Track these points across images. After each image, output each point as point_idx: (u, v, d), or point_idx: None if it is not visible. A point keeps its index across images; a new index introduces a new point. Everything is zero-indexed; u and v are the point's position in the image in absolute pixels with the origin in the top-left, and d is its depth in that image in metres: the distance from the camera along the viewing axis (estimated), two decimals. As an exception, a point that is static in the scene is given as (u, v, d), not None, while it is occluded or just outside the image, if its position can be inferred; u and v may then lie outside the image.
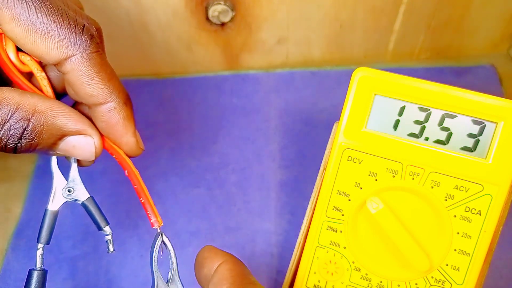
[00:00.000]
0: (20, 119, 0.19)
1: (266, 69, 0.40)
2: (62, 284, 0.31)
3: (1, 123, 0.19)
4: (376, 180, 0.24)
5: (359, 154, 0.24)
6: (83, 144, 0.22)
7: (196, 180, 0.34)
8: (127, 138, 0.23)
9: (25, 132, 0.19)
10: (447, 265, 0.24)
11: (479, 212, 0.23)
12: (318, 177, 0.27)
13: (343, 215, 0.25)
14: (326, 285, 0.25)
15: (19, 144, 0.20)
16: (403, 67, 0.39)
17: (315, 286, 0.26)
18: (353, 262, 0.25)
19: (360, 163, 0.24)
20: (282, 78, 0.39)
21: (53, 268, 0.31)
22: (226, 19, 0.35)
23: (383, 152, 0.24)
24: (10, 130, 0.19)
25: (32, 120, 0.20)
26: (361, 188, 0.24)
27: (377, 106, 0.24)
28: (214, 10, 0.34)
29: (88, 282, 0.31)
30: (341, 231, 0.25)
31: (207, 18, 0.35)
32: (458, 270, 0.23)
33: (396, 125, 0.24)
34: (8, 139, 0.19)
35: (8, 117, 0.19)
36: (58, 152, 0.22)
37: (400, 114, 0.23)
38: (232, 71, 0.40)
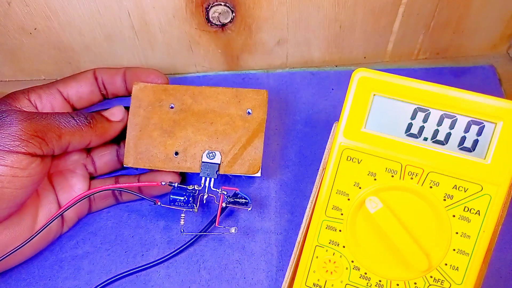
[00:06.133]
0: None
1: (266, 69, 0.40)
2: (63, 284, 0.31)
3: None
4: (375, 179, 0.24)
5: (359, 154, 0.24)
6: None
7: (197, 179, 0.34)
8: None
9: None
10: (446, 264, 0.24)
11: (478, 212, 0.23)
12: (318, 176, 0.27)
13: (342, 214, 0.25)
14: (326, 284, 0.26)
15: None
16: (403, 67, 0.39)
17: (314, 285, 0.26)
18: (352, 261, 0.25)
19: (359, 163, 0.24)
20: (282, 79, 0.39)
21: (54, 268, 0.31)
22: (226, 20, 0.35)
23: (382, 152, 0.24)
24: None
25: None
26: (360, 188, 0.24)
27: (376, 107, 0.24)
28: (215, 11, 0.34)
29: (90, 282, 0.31)
30: (340, 230, 0.25)
31: (208, 19, 0.35)
32: (457, 269, 0.24)
33: (395, 125, 0.24)
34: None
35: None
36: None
37: (399, 114, 0.24)
38: (232, 72, 0.40)
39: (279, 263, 0.31)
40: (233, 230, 0.30)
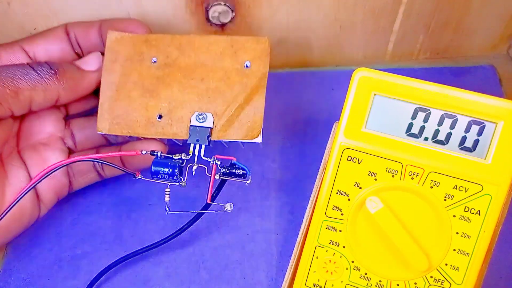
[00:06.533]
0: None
1: (266, 69, 0.40)
2: (63, 283, 0.31)
3: None
4: (376, 180, 0.24)
5: (359, 154, 0.24)
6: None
7: (197, 180, 0.34)
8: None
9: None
10: (446, 265, 0.24)
11: (478, 212, 0.23)
12: (318, 176, 0.27)
13: (342, 214, 0.25)
14: (326, 285, 0.26)
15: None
16: (403, 67, 0.39)
17: (314, 285, 0.26)
18: (353, 262, 0.25)
19: (359, 163, 0.24)
20: (282, 79, 0.39)
21: (53, 268, 0.31)
22: (226, 19, 0.35)
23: (383, 152, 0.24)
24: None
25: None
26: (360, 188, 0.24)
27: (376, 106, 0.24)
28: (214, 11, 0.34)
29: (88, 282, 0.31)
30: (340, 231, 0.25)
31: (207, 19, 0.35)
32: (457, 270, 0.24)
33: (395, 125, 0.24)
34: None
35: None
36: None
37: (400, 114, 0.24)
38: (232, 72, 0.40)
39: (279, 263, 0.31)
40: (228, 206, 0.26)
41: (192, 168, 0.26)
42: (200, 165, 0.26)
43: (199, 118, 0.26)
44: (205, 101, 0.27)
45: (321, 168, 0.27)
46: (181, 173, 0.26)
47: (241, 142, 0.27)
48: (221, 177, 0.26)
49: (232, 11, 0.34)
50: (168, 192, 0.26)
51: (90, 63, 0.27)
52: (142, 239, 0.32)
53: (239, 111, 0.27)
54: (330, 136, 0.27)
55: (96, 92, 0.28)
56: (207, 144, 0.26)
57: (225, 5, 0.34)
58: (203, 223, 0.32)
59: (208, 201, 0.26)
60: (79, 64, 0.27)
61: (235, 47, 0.27)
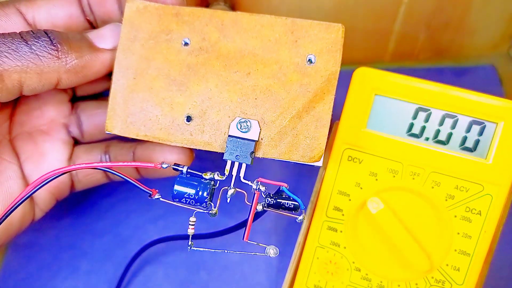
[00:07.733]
0: None
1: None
2: (62, 284, 0.31)
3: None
4: (377, 180, 0.24)
5: (360, 154, 0.24)
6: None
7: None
8: None
9: None
10: (447, 265, 0.24)
11: (479, 212, 0.23)
12: (318, 177, 0.27)
13: (343, 215, 0.25)
14: (326, 285, 0.25)
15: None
16: (403, 67, 0.39)
17: (315, 286, 0.26)
18: (353, 262, 0.25)
19: (360, 163, 0.24)
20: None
21: (53, 268, 0.31)
22: (226, 19, 0.35)
23: (384, 152, 0.24)
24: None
25: None
26: (361, 188, 0.24)
27: (377, 106, 0.24)
28: (215, 10, 0.34)
29: (88, 282, 0.31)
30: (341, 231, 0.25)
31: (208, 18, 0.35)
32: (458, 270, 0.23)
33: (396, 125, 0.24)
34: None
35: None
36: None
37: (401, 114, 0.23)
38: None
39: (279, 264, 0.31)
40: (272, 252, 0.20)
41: (227, 193, 0.20)
42: (238, 189, 0.20)
43: (241, 126, 0.21)
44: (251, 103, 0.21)
45: (321, 168, 0.27)
46: (212, 198, 0.20)
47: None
48: (264, 208, 0.20)
49: (232, 11, 0.34)
50: (194, 223, 0.21)
51: (106, 38, 0.21)
52: (142, 239, 0.32)
53: (296, 122, 0.21)
54: (331, 136, 0.27)
55: (110, 74, 0.22)
56: (249, 163, 0.20)
57: (225, 4, 0.34)
58: (202, 225, 0.32)
59: (245, 239, 0.21)
60: (93, 39, 0.21)
61: (296, 34, 0.21)
